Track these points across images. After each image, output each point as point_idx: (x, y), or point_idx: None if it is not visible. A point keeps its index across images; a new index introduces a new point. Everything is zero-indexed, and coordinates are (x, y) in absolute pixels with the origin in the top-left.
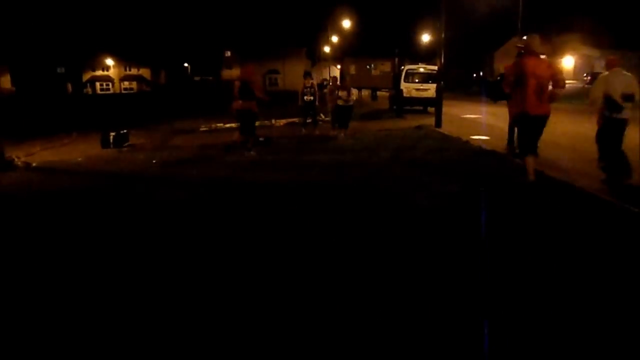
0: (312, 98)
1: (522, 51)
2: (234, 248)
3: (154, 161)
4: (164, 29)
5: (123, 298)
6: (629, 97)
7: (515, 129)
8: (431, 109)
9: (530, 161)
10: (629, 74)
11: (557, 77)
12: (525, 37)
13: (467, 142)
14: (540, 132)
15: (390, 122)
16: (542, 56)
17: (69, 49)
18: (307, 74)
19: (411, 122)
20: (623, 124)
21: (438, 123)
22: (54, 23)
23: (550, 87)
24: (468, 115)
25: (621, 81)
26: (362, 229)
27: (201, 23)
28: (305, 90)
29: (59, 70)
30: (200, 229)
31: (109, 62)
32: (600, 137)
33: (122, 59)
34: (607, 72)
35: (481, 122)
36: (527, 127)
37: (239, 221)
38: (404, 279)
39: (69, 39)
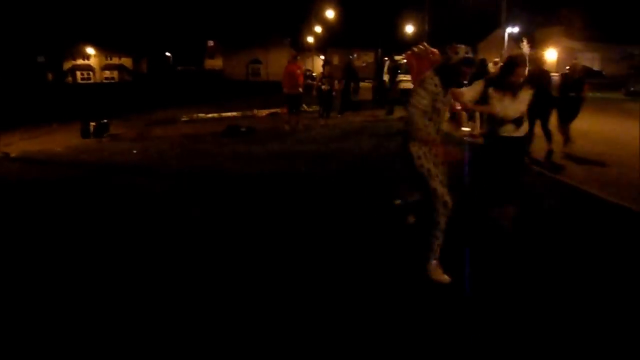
0: (329, 87)
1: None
2: (213, 231)
3: (134, 151)
4: (146, 18)
5: (99, 288)
6: None
7: None
8: None
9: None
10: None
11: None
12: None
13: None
14: None
15: (372, 113)
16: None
17: (50, 37)
18: (327, 63)
19: (394, 113)
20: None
21: None
22: (33, 11)
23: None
24: None
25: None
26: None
27: (184, 12)
28: (322, 79)
29: (39, 59)
30: (178, 217)
31: (90, 51)
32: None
33: (103, 48)
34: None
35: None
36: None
37: (215, 208)
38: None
39: (49, 27)
